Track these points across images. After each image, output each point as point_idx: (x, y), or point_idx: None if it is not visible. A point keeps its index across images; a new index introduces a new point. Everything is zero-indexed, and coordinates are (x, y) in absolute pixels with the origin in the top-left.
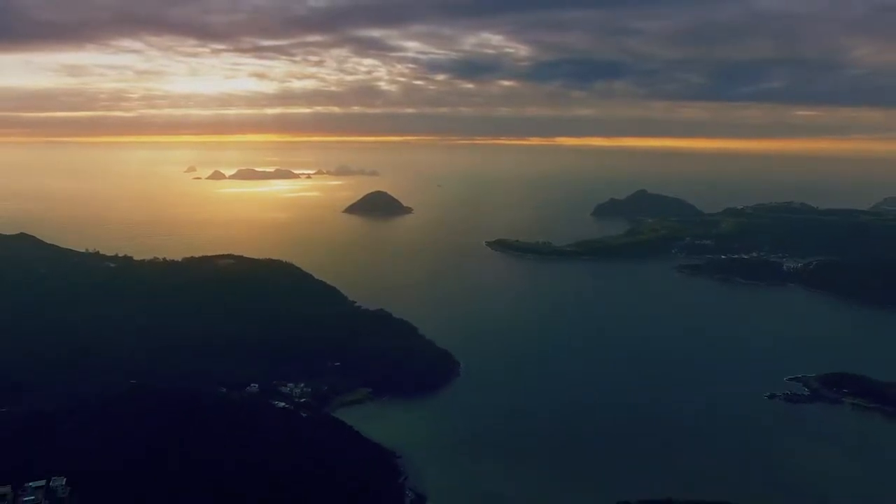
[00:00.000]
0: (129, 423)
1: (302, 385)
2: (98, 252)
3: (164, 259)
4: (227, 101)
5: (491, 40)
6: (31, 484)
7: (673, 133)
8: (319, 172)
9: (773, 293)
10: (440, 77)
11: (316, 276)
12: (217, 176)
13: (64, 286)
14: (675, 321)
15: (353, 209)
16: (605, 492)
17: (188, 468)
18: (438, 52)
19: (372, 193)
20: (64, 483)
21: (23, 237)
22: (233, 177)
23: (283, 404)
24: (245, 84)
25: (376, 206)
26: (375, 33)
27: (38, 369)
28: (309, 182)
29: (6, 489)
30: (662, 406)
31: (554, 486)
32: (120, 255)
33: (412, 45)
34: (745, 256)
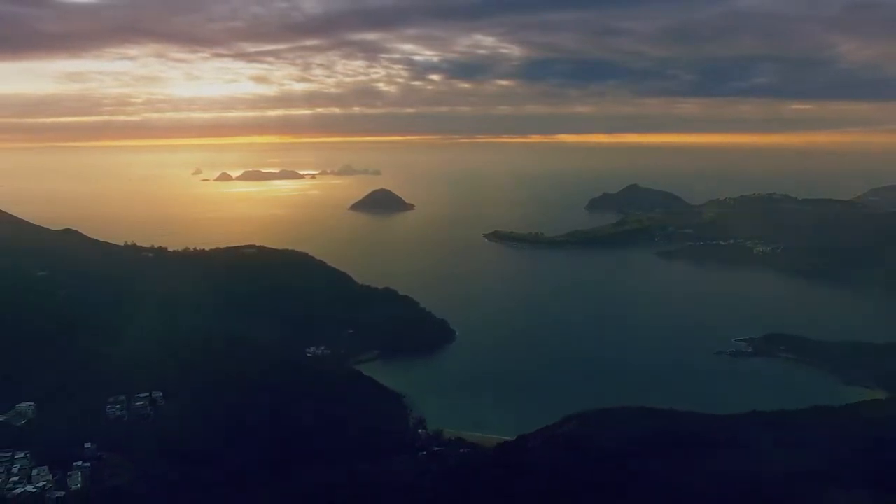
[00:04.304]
0: (202, 356)
1: (322, 348)
2: (135, 244)
3: (195, 249)
4: (229, 104)
5: (484, 42)
6: (139, 394)
7: (670, 129)
8: (323, 172)
9: (740, 274)
10: (437, 77)
11: (328, 263)
12: (224, 177)
13: (115, 271)
14: (645, 296)
15: (358, 206)
16: (561, 412)
17: (248, 390)
18: (434, 54)
19: (375, 191)
20: (161, 395)
21: (69, 232)
22: (239, 178)
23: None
24: (246, 88)
25: (380, 203)
26: (371, 36)
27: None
28: (314, 182)
29: (123, 397)
30: (623, 358)
31: (520, 411)
32: (154, 246)
33: (408, 48)
34: (723, 243)
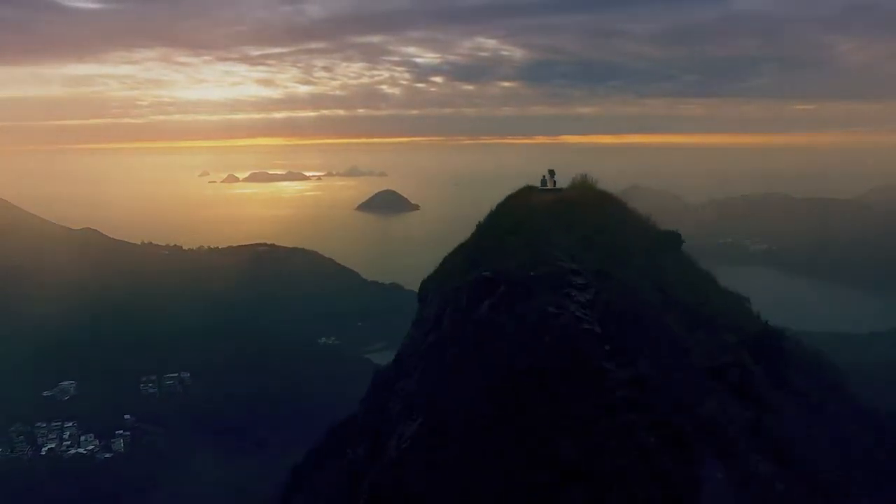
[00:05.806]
0: (221, 342)
1: (333, 338)
2: (151, 242)
3: (209, 247)
4: (234, 107)
5: (486, 44)
6: (168, 374)
7: (672, 129)
8: (330, 174)
9: (736, 271)
10: (440, 79)
11: (336, 261)
12: (231, 179)
13: (135, 266)
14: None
15: (364, 207)
16: None
17: (266, 373)
18: (436, 56)
19: (381, 192)
20: (189, 375)
21: (88, 231)
22: (246, 179)
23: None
24: (251, 90)
25: (385, 204)
26: (374, 39)
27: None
28: (320, 183)
29: (154, 377)
30: None
31: None
32: (170, 244)
33: (410, 50)
34: (720, 241)
